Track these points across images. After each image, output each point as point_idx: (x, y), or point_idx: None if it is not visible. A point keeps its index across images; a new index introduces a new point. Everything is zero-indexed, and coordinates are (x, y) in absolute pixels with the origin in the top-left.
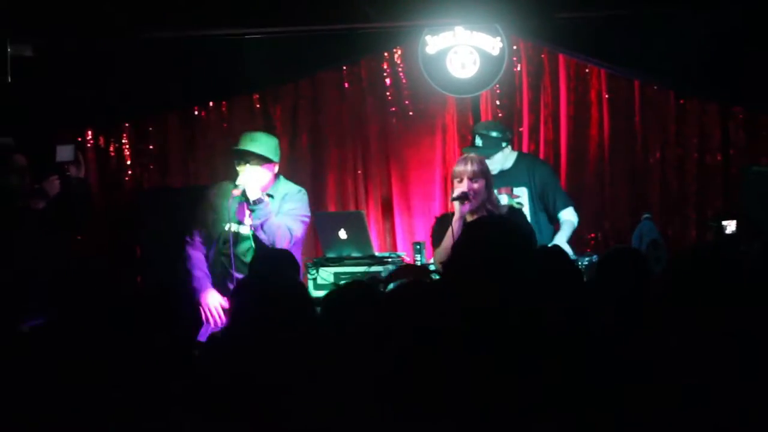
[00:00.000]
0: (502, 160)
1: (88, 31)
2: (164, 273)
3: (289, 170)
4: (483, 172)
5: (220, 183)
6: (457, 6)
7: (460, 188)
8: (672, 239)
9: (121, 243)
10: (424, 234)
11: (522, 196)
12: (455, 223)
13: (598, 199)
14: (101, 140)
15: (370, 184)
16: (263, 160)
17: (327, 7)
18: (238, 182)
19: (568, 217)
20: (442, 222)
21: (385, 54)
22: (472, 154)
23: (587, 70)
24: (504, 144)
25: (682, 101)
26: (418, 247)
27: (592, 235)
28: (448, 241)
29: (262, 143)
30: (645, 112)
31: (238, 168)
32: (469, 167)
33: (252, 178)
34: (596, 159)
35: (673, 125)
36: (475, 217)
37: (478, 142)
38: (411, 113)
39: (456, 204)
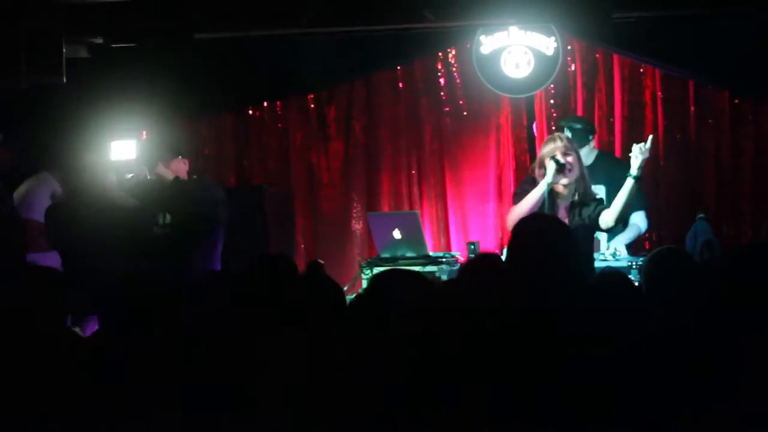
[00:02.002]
0: (587, 153)
1: (144, 32)
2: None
3: (343, 171)
4: (574, 149)
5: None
6: (511, 6)
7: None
8: (726, 239)
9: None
10: (478, 234)
11: (600, 194)
12: (540, 189)
13: (652, 199)
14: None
15: (424, 184)
16: None
17: (382, 7)
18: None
19: (637, 221)
20: (533, 183)
21: (440, 54)
22: (558, 132)
23: (641, 70)
24: (590, 137)
25: (737, 101)
26: (473, 247)
27: (647, 235)
28: (527, 203)
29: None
30: (700, 111)
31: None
32: (560, 143)
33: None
34: (650, 159)
35: (728, 125)
36: (570, 192)
37: (568, 134)
38: (465, 113)
39: (550, 167)
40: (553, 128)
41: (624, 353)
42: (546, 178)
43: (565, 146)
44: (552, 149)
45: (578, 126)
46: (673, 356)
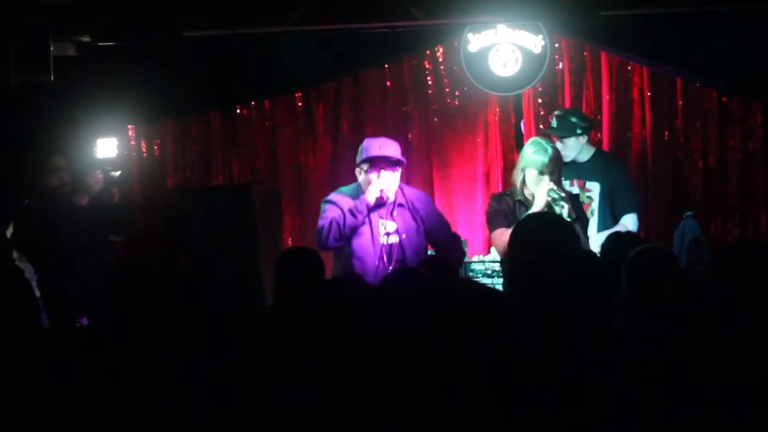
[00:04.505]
0: (576, 148)
1: (132, 31)
2: (207, 271)
3: (331, 169)
4: (559, 160)
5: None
6: (499, 4)
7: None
8: (714, 237)
9: (163, 242)
10: (466, 232)
11: (593, 191)
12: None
13: (640, 196)
14: (144, 139)
15: (412, 182)
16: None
17: (369, 5)
18: (382, 186)
19: (627, 222)
20: (500, 201)
21: (428, 52)
22: (545, 141)
23: (629, 68)
24: (579, 131)
25: (724, 99)
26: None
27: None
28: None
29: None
30: (687, 110)
31: (371, 175)
32: (546, 158)
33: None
34: (638, 157)
35: (716, 123)
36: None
37: (554, 123)
38: (453, 111)
39: (541, 196)
40: (541, 126)
41: (607, 354)
42: (535, 207)
43: (552, 163)
44: (540, 166)
45: (572, 119)
46: (657, 356)
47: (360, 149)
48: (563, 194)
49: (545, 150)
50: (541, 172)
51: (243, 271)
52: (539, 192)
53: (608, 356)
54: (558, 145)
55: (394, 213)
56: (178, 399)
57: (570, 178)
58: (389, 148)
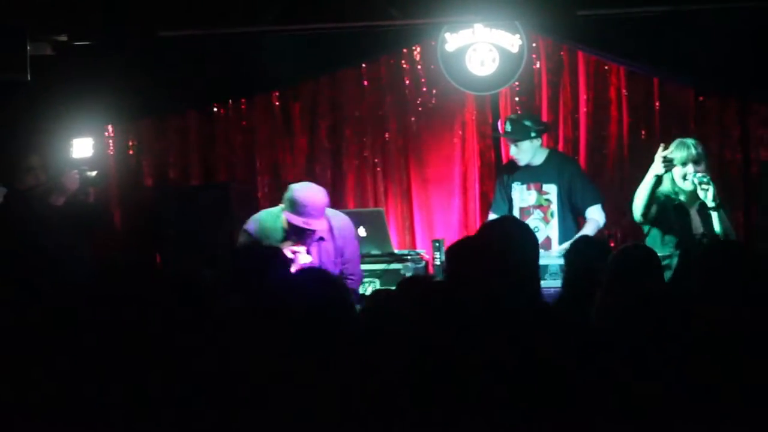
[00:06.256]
0: (531, 151)
1: (107, 29)
2: (184, 270)
3: (308, 169)
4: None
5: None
6: (476, 3)
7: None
8: None
9: (140, 241)
10: (443, 231)
11: (551, 193)
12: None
13: (617, 196)
14: (121, 138)
15: (389, 181)
16: None
17: (347, 4)
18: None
19: (594, 215)
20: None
21: (405, 51)
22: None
23: (606, 68)
24: (533, 134)
25: (701, 98)
26: (437, 244)
27: (608, 232)
28: None
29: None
30: (664, 109)
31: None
32: (693, 151)
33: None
34: (615, 156)
35: (693, 122)
36: None
37: (508, 127)
38: (430, 110)
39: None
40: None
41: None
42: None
43: (696, 153)
44: (681, 160)
45: (525, 122)
46: (638, 355)
47: (290, 198)
48: (706, 179)
49: (683, 144)
50: (684, 164)
51: (221, 270)
52: (679, 177)
53: (584, 354)
54: (512, 149)
55: (312, 246)
56: (170, 399)
57: (526, 182)
58: (314, 221)
